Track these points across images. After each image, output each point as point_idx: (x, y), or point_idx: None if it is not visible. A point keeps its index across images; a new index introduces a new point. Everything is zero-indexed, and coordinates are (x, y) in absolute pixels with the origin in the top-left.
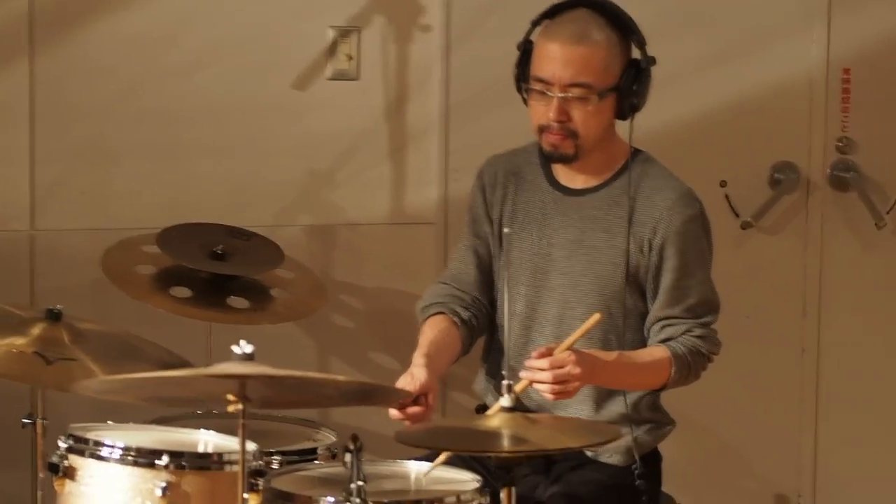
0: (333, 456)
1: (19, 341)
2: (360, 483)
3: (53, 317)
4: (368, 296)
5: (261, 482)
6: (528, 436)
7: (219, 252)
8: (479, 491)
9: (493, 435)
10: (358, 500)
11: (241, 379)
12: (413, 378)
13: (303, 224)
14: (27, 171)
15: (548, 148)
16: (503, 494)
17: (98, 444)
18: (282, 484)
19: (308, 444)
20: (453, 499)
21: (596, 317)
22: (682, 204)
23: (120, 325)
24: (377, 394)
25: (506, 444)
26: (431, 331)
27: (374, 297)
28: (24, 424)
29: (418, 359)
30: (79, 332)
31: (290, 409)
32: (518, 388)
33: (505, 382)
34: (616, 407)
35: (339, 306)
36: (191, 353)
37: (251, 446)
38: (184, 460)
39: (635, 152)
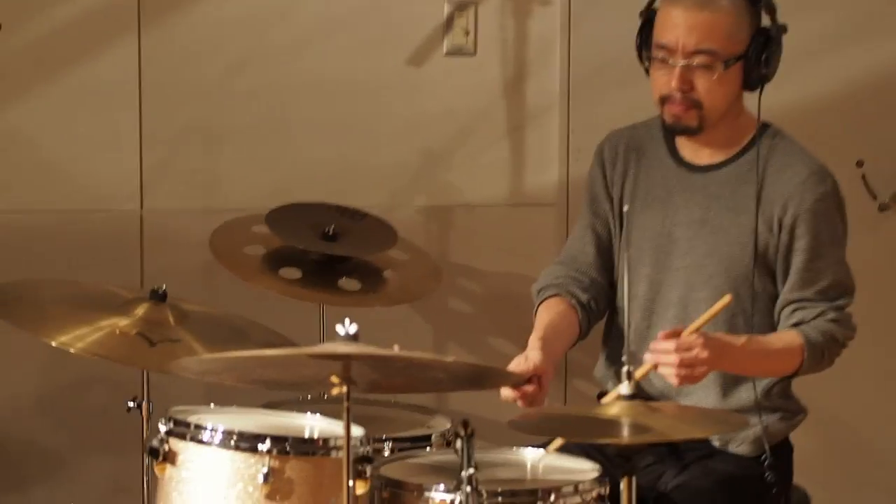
0: (447, 443)
1: (123, 322)
2: (472, 471)
3: (158, 297)
4: (486, 279)
5: (368, 469)
6: (648, 424)
7: (330, 232)
8: (598, 480)
9: (612, 423)
10: (469, 489)
11: (344, 360)
12: (527, 360)
13: (418, 205)
14: (136, 151)
15: (670, 119)
16: (623, 484)
17: (199, 427)
18: (391, 471)
19: (421, 431)
20: (571, 488)
21: (726, 299)
22: (814, 180)
23: (228, 307)
24: (488, 376)
25: (625, 432)
26: (547, 314)
27: (492, 280)
28: (130, 408)
29: (533, 342)
30: (184, 314)
31: (400, 394)
32: (641, 371)
33: (625, 369)
34: (744, 394)
35: (455, 290)
36: (301, 335)
37: (358, 431)
38: (287, 445)
39: (764, 126)
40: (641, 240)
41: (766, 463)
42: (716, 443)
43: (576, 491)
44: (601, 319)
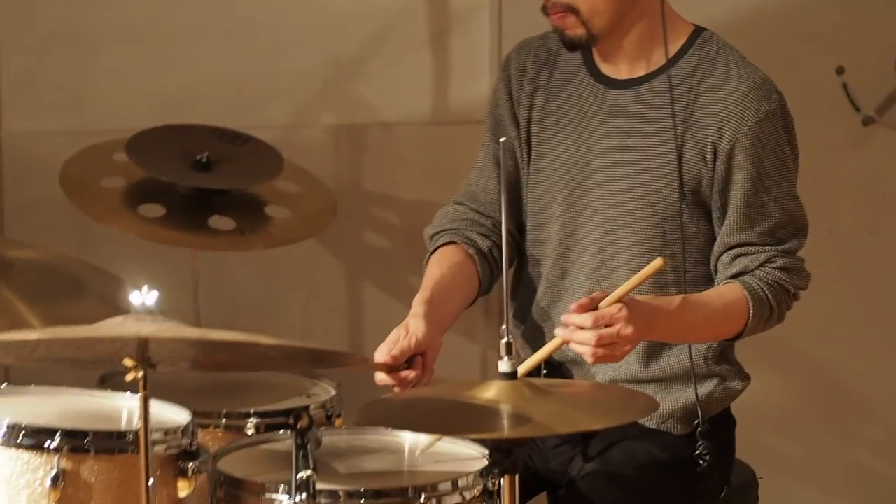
0: (328, 417)
1: None
2: (307, 473)
3: None
4: (405, 209)
5: (192, 466)
6: (530, 413)
7: (203, 160)
8: (484, 473)
9: (487, 412)
10: (302, 497)
11: (135, 341)
12: (407, 333)
13: (325, 125)
14: None
15: (558, 34)
16: (504, 483)
17: None
18: (232, 464)
19: (297, 402)
20: (448, 485)
21: (657, 262)
22: (756, 96)
23: (87, 250)
24: (335, 359)
25: (502, 423)
26: (439, 267)
27: (413, 210)
28: None
29: (417, 306)
30: (7, 263)
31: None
32: (549, 348)
33: (504, 341)
34: (673, 359)
35: (370, 221)
36: (169, 285)
37: (182, 416)
38: (86, 441)
39: (696, 32)
40: (552, 171)
41: (699, 442)
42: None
43: (455, 488)
44: (508, 268)
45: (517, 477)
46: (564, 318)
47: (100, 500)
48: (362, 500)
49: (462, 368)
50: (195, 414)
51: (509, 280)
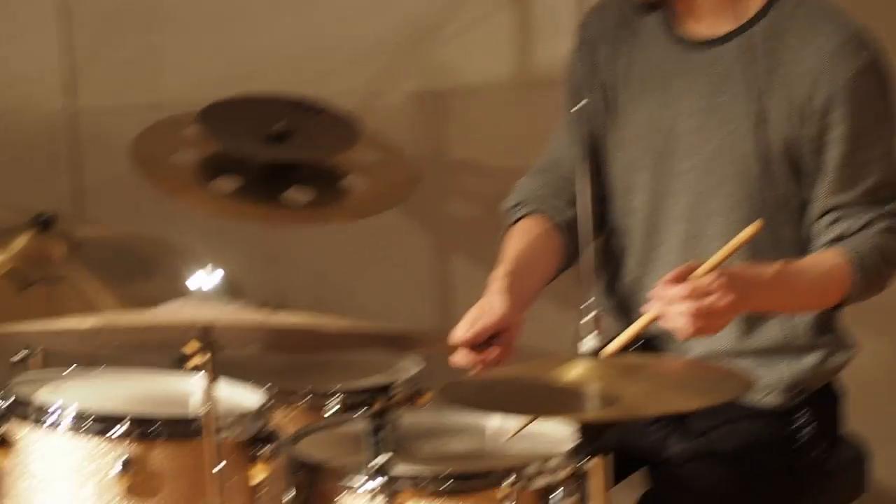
0: (411, 397)
1: None
2: (384, 459)
3: (41, 225)
4: (493, 176)
5: (266, 450)
6: (620, 392)
7: (277, 132)
8: (574, 454)
9: (574, 392)
10: (378, 482)
11: (197, 326)
12: (486, 311)
13: (404, 92)
14: (60, 39)
15: None
16: (593, 466)
17: (42, 407)
18: (312, 446)
19: (380, 380)
20: (535, 467)
21: (755, 226)
22: (850, 50)
23: (151, 228)
24: (409, 341)
25: (589, 405)
26: (520, 239)
27: (501, 177)
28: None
29: (497, 282)
30: (77, 244)
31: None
32: (640, 324)
33: (587, 318)
34: (772, 329)
35: (456, 191)
36: (246, 262)
37: (255, 399)
38: (153, 427)
39: None
40: (637, 138)
41: (799, 417)
42: None
43: (542, 470)
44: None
45: (608, 459)
46: (656, 291)
47: (170, 488)
48: (446, 484)
49: (555, 342)
50: (276, 393)
51: (594, 253)
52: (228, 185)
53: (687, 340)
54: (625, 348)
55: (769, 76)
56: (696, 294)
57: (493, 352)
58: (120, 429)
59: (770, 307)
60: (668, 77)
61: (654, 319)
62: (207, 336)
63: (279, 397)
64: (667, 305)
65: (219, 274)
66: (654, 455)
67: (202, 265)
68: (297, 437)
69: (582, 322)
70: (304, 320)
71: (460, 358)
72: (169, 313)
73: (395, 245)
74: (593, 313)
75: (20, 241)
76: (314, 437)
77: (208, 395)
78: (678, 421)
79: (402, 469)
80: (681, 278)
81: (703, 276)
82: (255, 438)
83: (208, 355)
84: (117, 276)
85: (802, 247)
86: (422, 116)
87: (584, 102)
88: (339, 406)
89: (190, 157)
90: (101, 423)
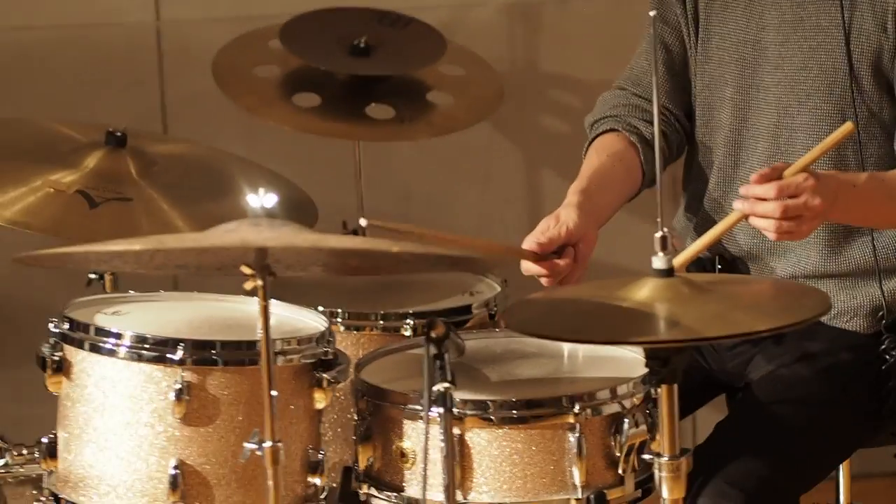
0: (492, 317)
1: (67, 178)
2: (444, 387)
3: (114, 142)
4: (586, 90)
5: (328, 376)
6: (688, 313)
7: (361, 45)
8: (646, 380)
9: (640, 314)
10: (438, 411)
11: (254, 250)
12: (558, 222)
13: (497, 2)
14: None
15: None
16: (661, 394)
17: (99, 330)
18: (376, 373)
19: (459, 301)
20: (606, 393)
21: (847, 127)
22: None
23: (232, 145)
24: (471, 263)
25: (656, 327)
26: (598, 156)
27: (594, 90)
28: (91, 280)
29: (571, 196)
30: (149, 161)
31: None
32: (726, 223)
33: (658, 235)
34: (857, 252)
35: (548, 105)
36: (329, 179)
37: (319, 322)
38: (212, 352)
39: None
40: (722, 51)
41: (886, 342)
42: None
43: (613, 396)
44: (674, 160)
45: (675, 386)
46: (744, 189)
47: (228, 414)
48: (513, 412)
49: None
50: (349, 315)
51: (663, 170)
52: (310, 100)
53: (772, 254)
54: (710, 266)
55: None
56: (785, 193)
57: (562, 261)
58: (177, 354)
59: (855, 217)
60: None
61: (741, 219)
62: (261, 259)
63: (353, 319)
64: (754, 204)
65: (272, 197)
66: (736, 379)
67: (277, 184)
68: (364, 361)
69: (655, 237)
70: (356, 243)
71: (529, 266)
72: (220, 236)
73: (485, 160)
74: (661, 231)
75: (92, 159)
76: (381, 362)
77: (263, 319)
78: (759, 344)
79: (465, 396)
80: (769, 178)
81: (792, 175)
82: (319, 363)
83: (262, 279)
84: (191, 195)
85: (891, 164)
86: (513, 29)
87: (653, 13)
88: (412, 330)
89: (272, 72)
90: (157, 348)
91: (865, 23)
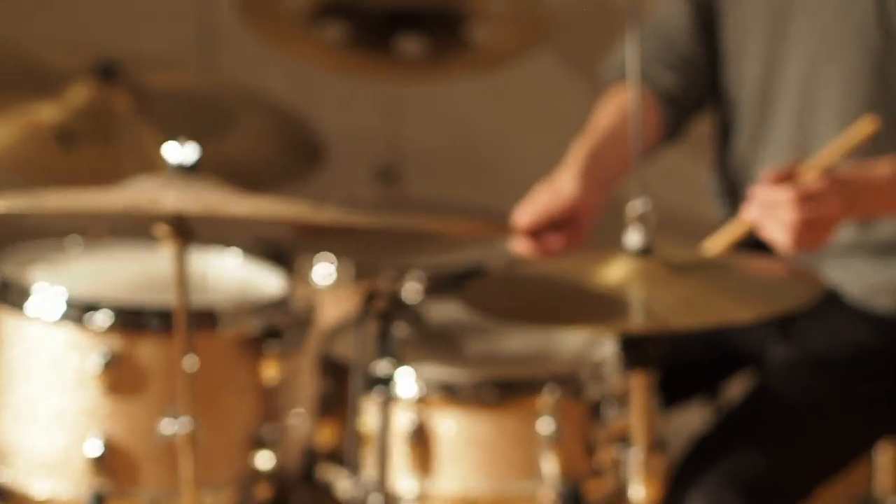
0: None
1: (50, 113)
2: (386, 370)
3: (105, 73)
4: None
5: (273, 347)
6: (663, 298)
7: None
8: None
9: (607, 298)
10: (384, 394)
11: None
12: (552, 192)
13: None
14: None
15: None
16: (634, 382)
17: (21, 289)
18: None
19: (477, 255)
20: (588, 373)
21: (869, 123)
22: None
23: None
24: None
25: (626, 313)
26: (608, 110)
27: None
28: None
29: (573, 158)
30: (146, 96)
31: None
32: (736, 231)
33: (635, 207)
34: (887, 226)
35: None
36: (353, 117)
37: (276, 285)
38: (142, 318)
39: None
40: None
41: None
42: (848, 293)
43: (590, 380)
44: (698, 113)
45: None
46: (754, 193)
47: (159, 386)
48: (481, 393)
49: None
50: (356, 268)
51: (654, 130)
52: (337, 32)
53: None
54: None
55: None
56: (802, 198)
57: (555, 240)
58: (103, 319)
59: (881, 213)
60: None
61: (750, 230)
62: (179, 223)
63: (359, 272)
64: (767, 210)
65: (194, 149)
66: (753, 356)
67: (282, 123)
68: (336, 331)
69: (632, 212)
70: (282, 210)
71: (520, 245)
72: (116, 196)
73: (546, 95)
74: (641, 208)
75: (79, 92)
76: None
77: (178, 288)
78: (776, 320)
79: (431, 374)
80: (784, 179)
81: (809, 177)
82: (268, 332)
83: (176, 244)
84: (189, 136)
85: None
86: None
87: None
88: (416, 288)
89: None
90: (82, 312)
91: None
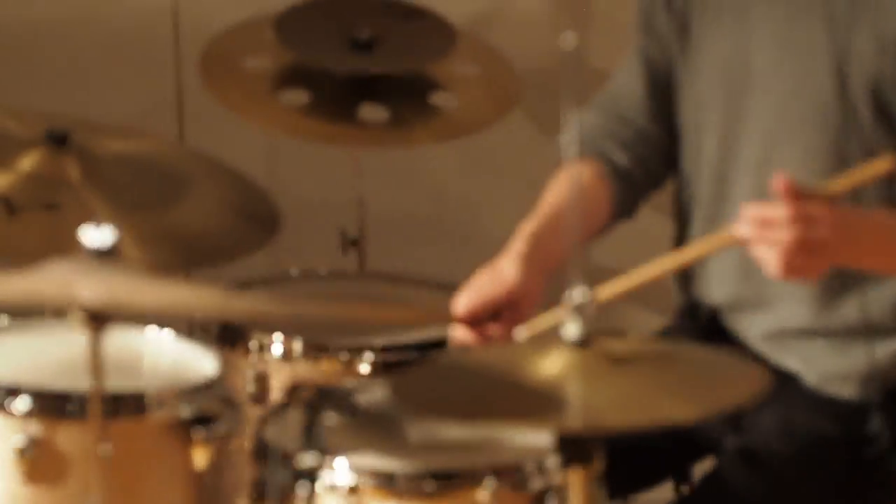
0: None
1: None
2: (312, 462)
3: (55, 140)
4: None
5: (203, 432)
6: (603, 393)
7: (363, 40)
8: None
9: (546, 393)
10: (305, 489)
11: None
12: (494, 279)
13: None
14: None
15: None
16: (572, 478)
17: None
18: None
19: (434, 332)
20: (530, 466)
21: (885, 163)
22: None
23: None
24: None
25: (562, 411)
26: (558, 189)
27: None
28: None
29: (518, 242)
30: (95, 163)
31: None
32: (717, 242)
33: (572, 295)
34: (848, 308)
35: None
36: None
37: (209, 367)
38: (65, 403)
39: None
40: (709, 71)
41: (872, 413)
42: (806, 379)
43: (534, 472)
44: (653, 189)
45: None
46: (749, 209)
47: (82, 475)
48: (419, 483)
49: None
50: (308, 347)
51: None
52: (300, 99)
53: (781, 278)
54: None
55: (854, 6)
56: (799, 218)
57: (495, 328)
58: (21, 404)
59: (872, 261)
60: (745, 3)
61: (737, 242)
62: (91, 309)
63: (310, 352)
64: (760, 229)
65: (110, 232)
66: (713, 443)
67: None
68: (273, 414)
69: (569, 296)
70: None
71: (458, 334)
72: (39, 279)
73: (518, 160)
74: (581, 297)
75: (28, 160)
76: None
77: (94, 370)
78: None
79: (362, 462)
80: (789, 195)
81: (812, 200)
82: (199, 418)
83: (91, 329)
84: (139, 202)
85: (891, 207)
86: (557, 19)
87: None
88: (370, 367)
89: (262, 65)
90: (3, 396)
91: (862, 47)
